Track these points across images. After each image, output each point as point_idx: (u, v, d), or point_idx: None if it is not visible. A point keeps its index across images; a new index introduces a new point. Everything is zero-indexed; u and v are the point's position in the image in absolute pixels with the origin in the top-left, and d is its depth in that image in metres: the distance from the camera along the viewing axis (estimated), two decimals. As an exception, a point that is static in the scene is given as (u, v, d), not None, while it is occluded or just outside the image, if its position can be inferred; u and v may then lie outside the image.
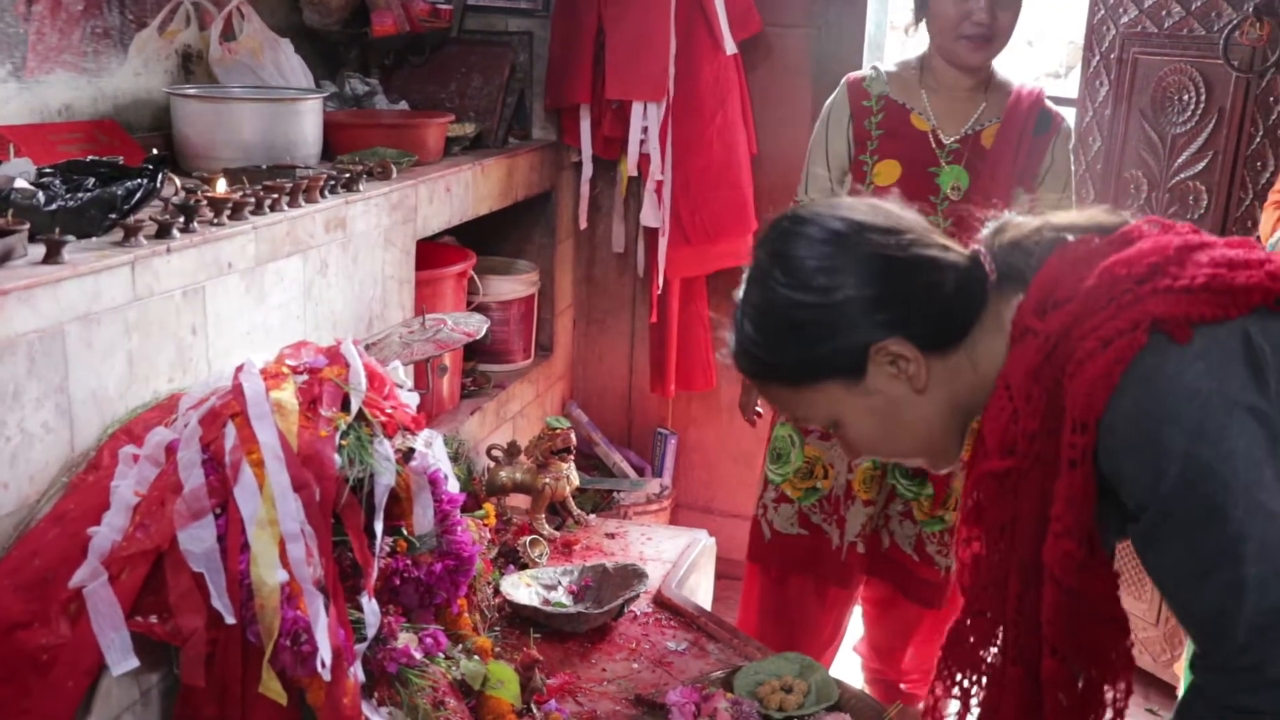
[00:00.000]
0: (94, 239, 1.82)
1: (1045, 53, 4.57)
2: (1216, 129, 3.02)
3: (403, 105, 3.24)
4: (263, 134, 2.48)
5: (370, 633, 1.77)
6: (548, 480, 2.81)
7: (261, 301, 2.11)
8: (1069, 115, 3.03)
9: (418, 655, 1.85)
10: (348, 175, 2.40)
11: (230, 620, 1.59)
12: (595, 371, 3.93)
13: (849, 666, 3.10)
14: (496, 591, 2.44)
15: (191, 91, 2.56)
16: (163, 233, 1.87)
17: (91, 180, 1.90)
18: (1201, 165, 3.06)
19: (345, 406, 1.81)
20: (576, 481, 2.91)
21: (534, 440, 2.86)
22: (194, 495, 1.62)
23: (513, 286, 3.34)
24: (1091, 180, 3.26)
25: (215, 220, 2.01)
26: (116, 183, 1.89)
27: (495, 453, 2.85)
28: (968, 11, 2.48)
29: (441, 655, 1.92)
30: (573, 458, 2.88)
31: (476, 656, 1.99)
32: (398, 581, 1.91)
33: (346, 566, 1.77)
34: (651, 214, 3.46)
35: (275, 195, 2.15)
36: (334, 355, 1.90)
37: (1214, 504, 1.16)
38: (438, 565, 1.94)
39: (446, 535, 1.95)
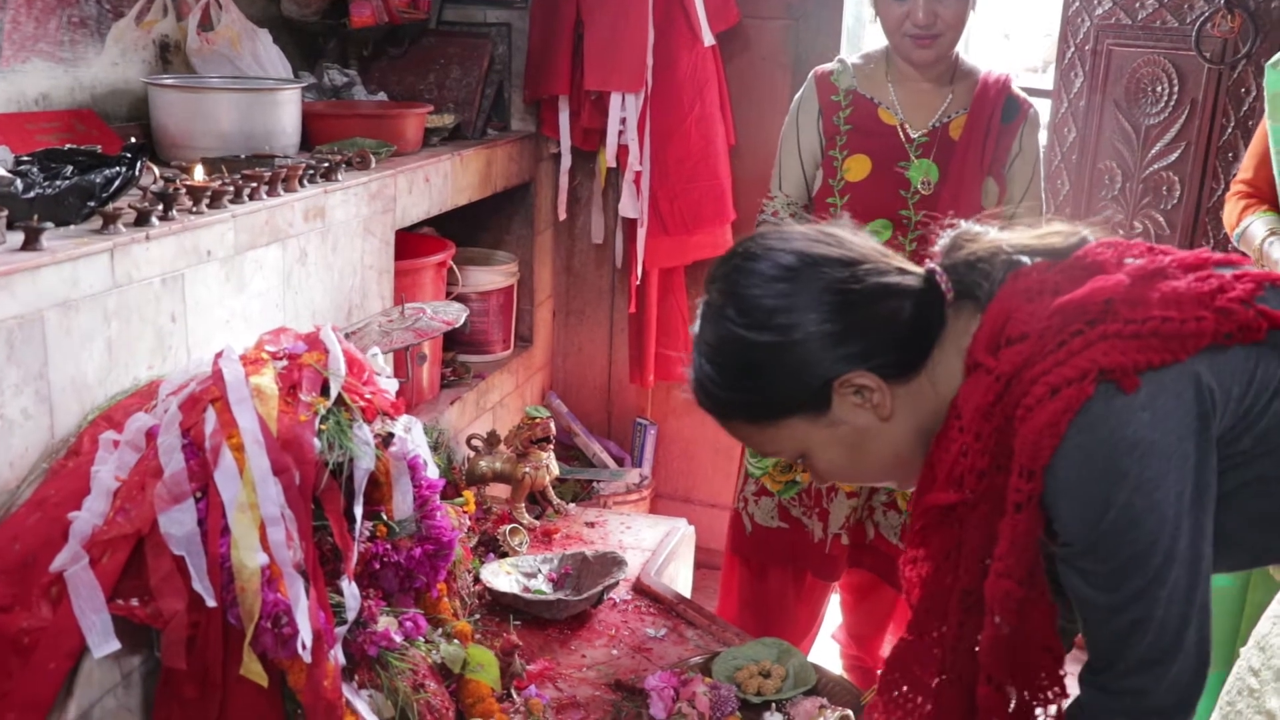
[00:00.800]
0: (72, 226, 1.83)
1: (1023, 46, 4.61)
2: (1189, 120, 3.06)
3: (381, 96, 3.25)
4: (241, 124, 2.48)
5: (350, 616, 1.78)
6: (527, 469, 2.82)
7: (241, 290, 2.12)
8: (1044, 107, 3.06)
9: (398, 639, 1.86)
10: (326, 165, 2.41)
11: (211, 603, 1.60)
12: (574, 362, 3.94)
13: (828, 654, 3.12)
14: (476, 580, 2.46)
15: (169, 81, 2.55)
16: (142, 220, 1.87)
17: (70, 168, 1.90)
18: (1174, 156, 3.09)
19: (325, 392, 1.82)
20: (556, 471, 2.93)
21: (514, 430, 2.87)
22: (174, 479, 1.63)
23: (492, 277, 3.35)
24: (1067, 171, 3.29)
25: (194, 208, 2.01)
26: (95, 171, 1.89)
27: (475, 442, 2.86)
28: (907, 12, 2.48)
29: (421, 639, 1.93)
30: (552, 447, 2.90)
31: (456, 641, 2.00)
32: (377, 566, 1.92)
33: (326, 550, 1.78)
34: (630, 205, 3.47)
35: (254, 184, 2.16)
36: (313, 341, 1.91)
37: (1138, 551, 1.23)
38: (417, 550, 1.95)
39: (426, 520, 1.96)
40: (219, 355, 1.81)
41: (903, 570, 1.46)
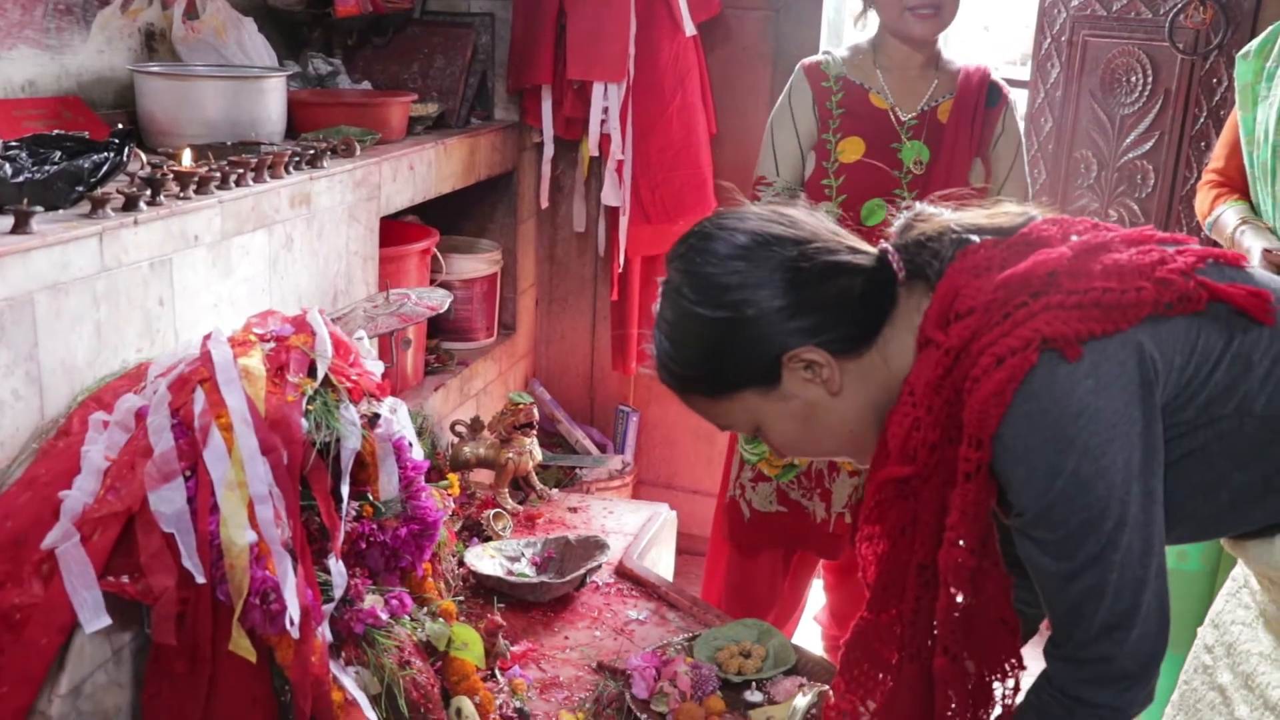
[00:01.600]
0: (61, 211, 1.84)
1: (1002, 38, 4.65)
2: (1163, 110, 3.10)
3: (365, 85, 3.27)
4: (227, 111, 2.49)
5: (337, 594, 1.80)
6: (511, 455, 2.84)
7: (228, 274, 2.14)
8: (1021, 97, 3.11)
9: (384, 616, 1.89)
10: (312, 152, 2.43)
11: (200, 580, 1.62)
12: (557, 349, 3.96)
13: (810, 635, 3.16)
14: (461, 564, 2.48)
15: (155, 69, 2.57)
16: (130, 205, 1.89)
17: (58, 154, 1.92)
18: (1149, 145, 3.14)
19: (312, 373, 1.85)
20: (539, 456, 2.95)
21: (497, 415, 2.90)
22: (164, 458, 1.65)
23: (475, 265, 3.37)
24: (1044, 160, 3.33)
25: (181, 194, 2.03)
26: (83, 156, 1.91)
27: (459, 428, 2.88)
28: None
29: (407, 617, 1.95)
30: (535, 433, 2.92)
31: (441, 619, 2.02)
32: (364, 545, 1.94)
33: (314, 529, 1.80)
34: (612, 193, 3.50)
35: (240, 170, 2.18)
36: (300, 324, 1.94)
37: (1089, 516, 1.26)
38: (403, 529, 1.97)
39: (411, 500, 1.98)
40: (207, 337, 1.83)
41: (859, 548, 1.49)
